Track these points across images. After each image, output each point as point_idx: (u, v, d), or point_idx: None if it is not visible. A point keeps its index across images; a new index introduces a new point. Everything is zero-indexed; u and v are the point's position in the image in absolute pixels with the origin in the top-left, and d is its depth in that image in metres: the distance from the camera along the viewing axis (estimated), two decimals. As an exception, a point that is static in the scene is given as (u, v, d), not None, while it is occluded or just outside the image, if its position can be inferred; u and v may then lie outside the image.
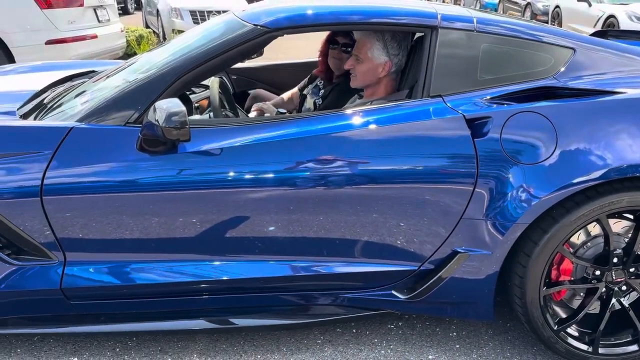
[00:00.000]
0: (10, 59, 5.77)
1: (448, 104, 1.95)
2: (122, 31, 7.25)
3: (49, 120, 2.07)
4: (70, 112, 2.07)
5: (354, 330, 2.28)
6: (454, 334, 2.27)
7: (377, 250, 2.01)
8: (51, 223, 1.91)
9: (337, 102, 2.71)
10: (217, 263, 2.02)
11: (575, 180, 1.85)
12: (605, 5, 10.98)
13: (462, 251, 1.97)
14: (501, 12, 17.57)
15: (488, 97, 1.98)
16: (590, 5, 11.32)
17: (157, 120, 1.74)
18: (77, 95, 2.32)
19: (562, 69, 2.09)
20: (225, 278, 2.02)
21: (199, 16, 10.71)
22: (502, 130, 1.89)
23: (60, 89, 2.54)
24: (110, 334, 2.20)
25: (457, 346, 2.20)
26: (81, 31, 6.20)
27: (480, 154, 1.88)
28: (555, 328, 2.03)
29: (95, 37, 6.37)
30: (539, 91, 2.01)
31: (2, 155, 1.88)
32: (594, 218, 1.90)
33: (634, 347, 2.06)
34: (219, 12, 10.78)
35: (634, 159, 1.87)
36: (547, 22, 13.67)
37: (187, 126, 1.75)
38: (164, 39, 10.37)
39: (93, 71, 2.94)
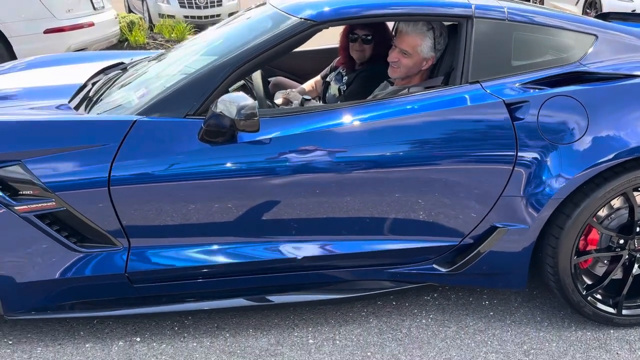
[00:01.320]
0: (9, 49, 5.74)
1: (487, 90, 2.10)
2: (115, 18, 7.23)
3: (107, 114, 2.16)
4: (127, 105, 2.16)
5: (394, 303, 2.45)
6: (487, 302, 2.46)
7: (421, 228, 2.17)
8: (117, 212, 2.02)
9: (362, 87, 2.83)
10: (270, 244, 2.15)
11: (605, 158, 2.03)
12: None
13: (501, 226, 2.13)
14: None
15: (523, 83, 2.13)
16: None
17: (227, 113, 1.85)
18: (121, 87, 2.41)
19: (586, 55, 2.25)
20: (277, 257, 2.16)
21: (185, 0, 10.65)
22: (538, 113, 2.04)
23: (100, 81, 2.62)
24: (167, 314, 2.32)
25: (491, 313, 2.38)
26: (79, 19, 6.19)
27: (519, 136, 2.04)
28: (584, 293, 2.22)
29: (92, 25, 6.36)
30: (567, 76, 2.17)
31: (71, 149, 1.98)
32: (621, 192, 2.08)
33: (654, 308, 2.27)
34: (206, -4, 10.76)
35: None
36: (528, 0, 13.82)
37: (257, 117, 1.86)
38: (151, 24, 10.30)
39: (121, 63, 3.01)
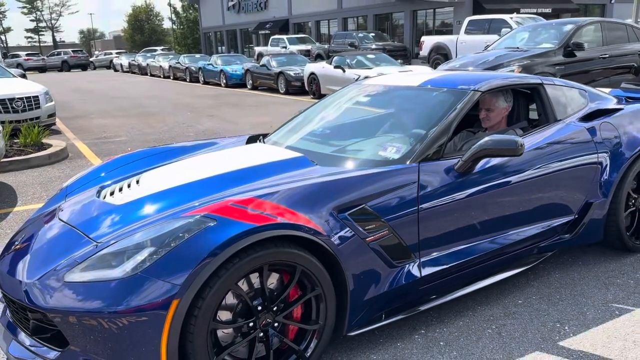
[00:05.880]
0: None
1: (569, 123, 3.57)
2: (-1, 130, 6.68)
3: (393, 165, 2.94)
4: (385, 155, 3.03)
5: (541, 266, 3.66)
6: (590, 256, 3.82)
7: (557, 211, 3.46)
8: (420, 230, 2.83)
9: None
10: (497, 236, 3.17)
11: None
12: (356, 70, 14.16)
13: (593, 201, 3.56)
14: (250, 82, 19.76)
15: (579, 117, 3.66)
16: (344, 71, 14.36)
17: (507, 146, 2.87)
18: (346, 148, 3.18)
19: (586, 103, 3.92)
20: (507, 243, 3.20)
21: (0, 106, 9.94)
22: (599, 131, 3.61)
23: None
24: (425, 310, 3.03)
25: (602, 259, 3.75)
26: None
27: (597, 146, 3.54)
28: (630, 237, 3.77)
29: None
30: (592, 112, 3.79)
31: (391, 190, 2.75)
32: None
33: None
34: (21, 100, 10.21)
35: None
36: (303, 86, 16.32)
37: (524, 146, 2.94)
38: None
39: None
